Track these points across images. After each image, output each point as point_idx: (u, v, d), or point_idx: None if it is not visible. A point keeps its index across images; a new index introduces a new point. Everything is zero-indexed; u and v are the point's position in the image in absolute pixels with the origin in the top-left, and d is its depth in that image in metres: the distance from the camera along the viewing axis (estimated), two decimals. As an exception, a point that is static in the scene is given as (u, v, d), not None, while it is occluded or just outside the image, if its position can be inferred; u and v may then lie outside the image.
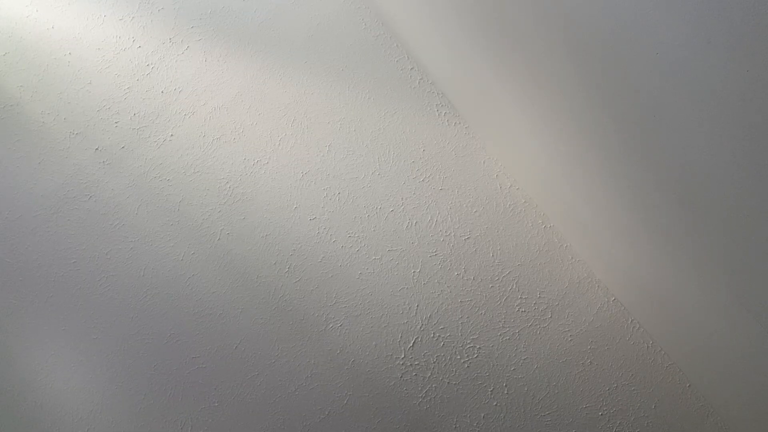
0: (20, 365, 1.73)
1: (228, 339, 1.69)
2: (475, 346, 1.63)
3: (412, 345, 1.64)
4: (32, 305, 1.74)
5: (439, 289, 1.66)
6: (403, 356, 1.64)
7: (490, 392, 1.60)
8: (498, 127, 1.54)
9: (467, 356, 1.62)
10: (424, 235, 1.68)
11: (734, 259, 0.88)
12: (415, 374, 1.63)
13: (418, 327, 1.65)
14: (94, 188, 1.78)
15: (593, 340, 1.59)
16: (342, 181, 1.73)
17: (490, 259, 1.65)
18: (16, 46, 1.85)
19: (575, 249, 1.62)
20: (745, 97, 0.62)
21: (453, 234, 1.68)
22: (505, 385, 1.60)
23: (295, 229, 1.71)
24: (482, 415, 1.59)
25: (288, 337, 1.67)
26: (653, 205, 1.02)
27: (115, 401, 1.68)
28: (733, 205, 0.78)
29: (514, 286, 1.64)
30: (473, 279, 1.65)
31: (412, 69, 1.76)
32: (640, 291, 1.42)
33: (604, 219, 1.30)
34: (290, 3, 1.82)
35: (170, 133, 1.79)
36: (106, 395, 1.69)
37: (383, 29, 1.79)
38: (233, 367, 1.67)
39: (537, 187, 1.59)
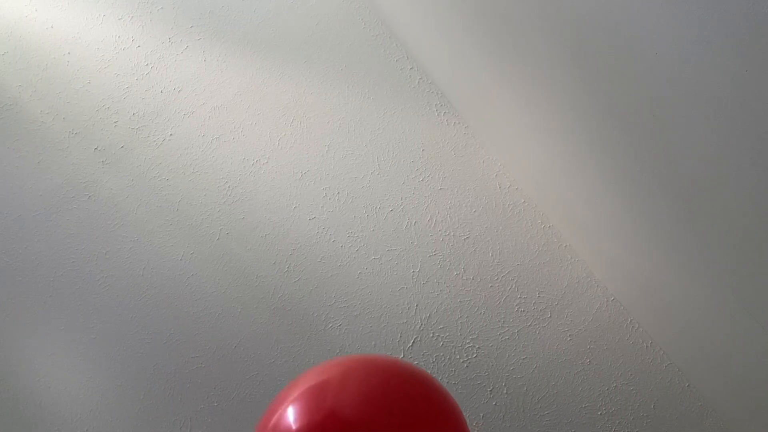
0: (19, 365, 1.72)
1: (227, 338, 1.69)
2: (474, 346, 1.63)
3: (412, 345, 1.64)
4: (31, 305, 1.74)
5: (439, 289, 1.66)
6: (402, 356, 1.64)
7: (489, 392, 1.60)
8: (497, 127, 1.54)
9: (466, 356, 1.62)
10: (424, 234, 1.68)
11: (734, 259, 0.88)
12: (415, 374, 1.63)
13: (418, 327, 1.65)
14: (93, 188, 1.78)
15: (592, 339, 1.60)
16: (341, 180, 1.73)
17: (489, 259, 1.66)
18: (15, 45, 1.85)
19: (574, 249, 1.63)
20: (745, 97, 0.62)
21: (452, 234, 1.68)
22: (505, 385, 1.60)
23: (294, 229, 1.71)
24: (481, 414, 1.59)
25: (287, 337, 1.67)
26: (653, 204, 1.02)
27: (115, 401, 1.68)
28: (733, 204, 0.78)
29: (514, 286, 1.64)
30: (472, 279, 1.65)
31: (411, 69, 1.76)
32: (640, 291, 1.42)
33: (603, 219, 1.30)
34: (289, 2, 1.82)
35: (169, 133, 1.79)
36: (106, 395, 1.69)
37: (383, 29, 1.79)
38: (233, 366, 1.67)
39: (536, 187, 1.59)
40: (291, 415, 0.79)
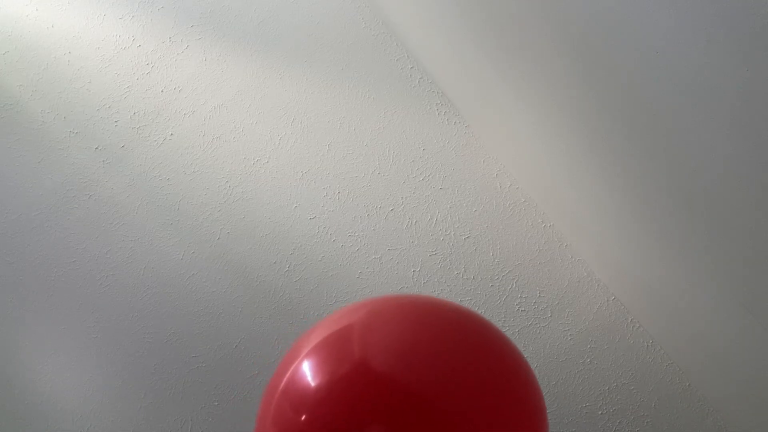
0: (19, 365, 1.72)
1: (228, 338, 1.69)
2: (474, 346, 1.62)
3: (412, 344, 1.64)
4: (32, 304, 1.74)
5: (439, 288, 1.66)
6: (402, 355, 1.64)
7: (489, 391, 1.60)
8: (498, 126, 1.54)
9: (467, 355, 1.62)
10: (424, 234, 1.68)
11: (735, 259, 0.88)
12: (415, 373, 1.62)
13: (418, 326, 1.64)
14: (94, 187, 1.78)
15: (593, 339, 1.59)
16: (342, 180, 1.73)
17: (489, 259, 1.65)
18: (15, 44, 1.85)
19: (575, 248, 1.62)
20: (745, 96, 0.62)
21: (453, 233, 1.68)
22: (505, 384, 1.60)
23: (295, 228, 1.71)
24: (482, 414, 1.59)
25: (288, 336, 1.67)
26: (653, 204, 1.02)
27: (115, 400, 1.68)
28: (733, 205, 0.77)
29: (514, 286, 1.64)
30: (473, 278, 1.65)
31: (412, 68, 1.76)
32: (640, 290, 1.42)
33: (603, 218, 1.30)
34: (290, 2, 1.82)
35: (170, 132, 1.79)
36: (106, 394, 1.69)
37: (383, 28, 1.79)
38: (233, 366, 1.67)
39: (537, 187, 1.59)
40: (308, 369, 0.63)
